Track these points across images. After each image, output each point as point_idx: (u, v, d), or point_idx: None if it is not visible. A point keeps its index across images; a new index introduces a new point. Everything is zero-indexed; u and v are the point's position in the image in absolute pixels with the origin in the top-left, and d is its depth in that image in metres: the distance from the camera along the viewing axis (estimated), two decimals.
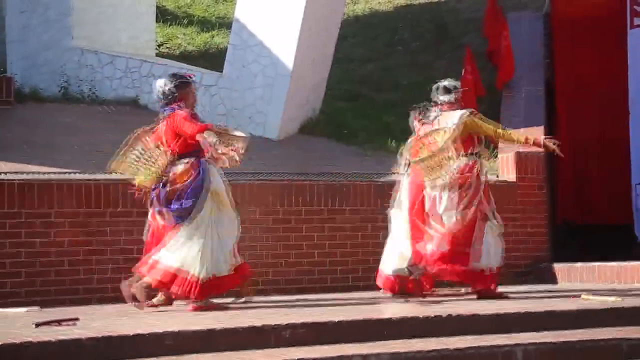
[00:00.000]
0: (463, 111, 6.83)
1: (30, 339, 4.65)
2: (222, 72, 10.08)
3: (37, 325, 5.26)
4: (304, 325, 5.24)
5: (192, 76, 6.56)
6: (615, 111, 9.27)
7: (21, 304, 6.66)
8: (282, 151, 9.33)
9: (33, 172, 7.21)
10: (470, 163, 6.78)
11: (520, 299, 6.73)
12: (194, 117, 6.28)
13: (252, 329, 5.13)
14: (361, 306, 6.39)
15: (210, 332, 5.02)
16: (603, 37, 9.86)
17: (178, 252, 6.18)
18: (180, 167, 6.25)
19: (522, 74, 10.10)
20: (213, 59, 11.23)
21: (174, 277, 6.15)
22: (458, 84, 7.04)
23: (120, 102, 9.99)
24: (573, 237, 9.50)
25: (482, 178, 6.83)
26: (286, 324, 5.20)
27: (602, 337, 5.44)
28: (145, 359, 4.74)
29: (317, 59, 10.16)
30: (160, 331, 4.92)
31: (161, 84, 6.36)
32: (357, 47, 12.33)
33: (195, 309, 6.15)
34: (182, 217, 6.21)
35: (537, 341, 5.30)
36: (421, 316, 5.55)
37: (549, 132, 9.44)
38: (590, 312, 5.94)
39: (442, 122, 6.84)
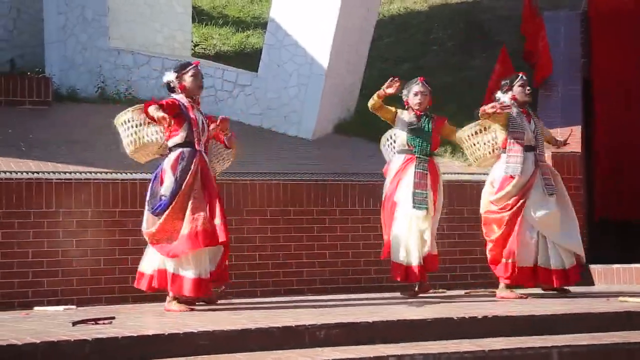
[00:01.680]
0: None
1: (67, 338, 4.70)
2: (257, 72, 10.11)
3: (74, 323, 5.32)
4: (338, 325, 5.24)
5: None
6: None
7: (63, 302, 6.74)
8: (317, 151, 9.33)
9: (71, 172, 7.28)
10: None
11: (557, 300, 6.68)
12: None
13: (287, 329, 5.14)
14: (395, 306, 6.38)
15: (245, 331, 5.04)
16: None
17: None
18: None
19: (559, 74, 10.01)
20: (248, 59, 11.27)
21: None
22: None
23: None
24: (611, 236, 9.41)
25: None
26: (320, 324, 5.20)
27: (638, 340, 5.38)
28: (179, 357, 4.77)
29: (352, 58, 10.16)
30: (195, 331, 4.95)
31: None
32: (392, 47, 12.30)
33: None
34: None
35: (573, 343, 5.25)
36: (455, 317, 5.52)
37: (586, 131, 9.37)
38: (627, 314, 5.88)
39: None
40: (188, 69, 6.47)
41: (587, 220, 8.73)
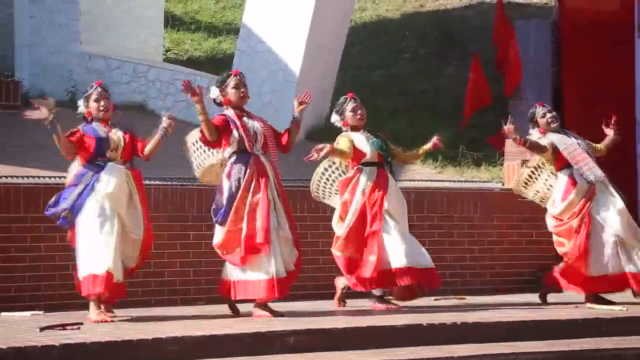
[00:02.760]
0: None
1: (34, 343, 4.66)
2: None
3: (42, 329, 5.27)
4: (308, 331, 5.25)
5: (98, 84, 6.32)
6: (622, 120, 9.27)
7: (25, 309, 6.67)
8: (289, 157, 9.32)
9: (40, 177, 7.22)
10: None
11: (526, 307, 6.72)
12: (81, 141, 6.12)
13: (257, 335, 5.13)
14: (366, 314, 6.38)
15: (214, 337, 5.03)
16: (611, 45, 9.84)
17: None
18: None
19: (530, 83, 10.08)
20: (220, 65, 11.25)
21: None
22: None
23: (128, 107, 9.99)
24: None
25: None
26: (291, 330, 5.21)
27: (607, 347, 5.42)
28: None
29: (324, 65, 10.17)
30: (164, 336, 4.93)
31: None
32: (365, 54, 12.34)
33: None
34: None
35: (542, 350, 5.29)
36: (425, 324, 5.54)
37: None
38: (597, 320, 5.93)
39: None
40: (228, 81, 6.42)
41: None
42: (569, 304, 6.94)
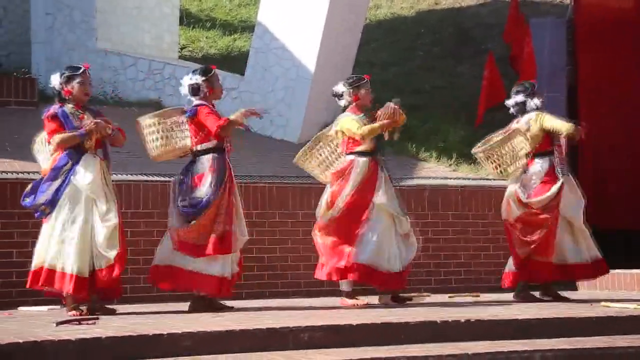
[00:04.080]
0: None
1: (50, 338, 4.70)
2: (244, 75, 10.13)
3: (58, 324, 5.31)
4: (321, 327, 5.25)
5: (86, 67, 6.33)
6: (638, 117, 9.26)
7: (42, 303, 6.73)
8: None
9: None
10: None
11: (540, 305, 6.71)
12: (53, 118, 6.14)
13: (270, 331, 5.14)
14: (380, 310, 6.40)
15: (228, 333, 5.04)
16: (627, 42, 9.82)
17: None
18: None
19: (544, 80, 10.07)
20: (235, 62, 11.28)
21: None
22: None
23: (143, 104, 10.05)
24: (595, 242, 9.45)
25: None
26: (304, 327, 5.21)
27: (621, 345, 5.41)
28: (163, 358, 4.77)
29: (339, 63, 10.18)
30: (179, 332, 4.95)
31: (53, 79, 6.26)
32: (379, 51, 12.34)
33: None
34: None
35: (555, 347, 5.28)
36: (439, 321, 5.54)
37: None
38: (609, 319, 5.92)
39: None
40: (214, 72, 6.46)
41: None
42: (583, 301, 6.93)
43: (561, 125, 7.02)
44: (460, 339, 5.37)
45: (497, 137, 7.13)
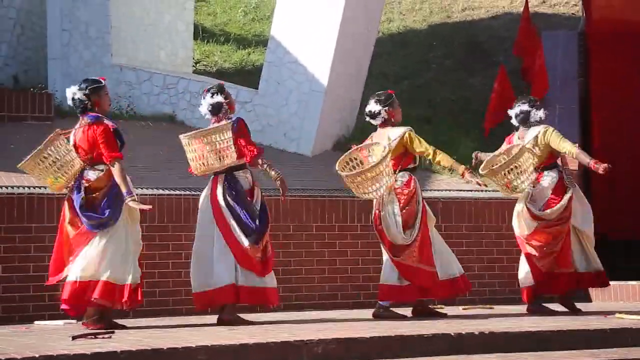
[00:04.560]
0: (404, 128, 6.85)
1: (65, 352, 4.73)
2: (257, 89, 10.18)
3: (74, 338, 5.35)
4: (335, 340, 5.28)
5: (103, 79, 6.44)
6: None
7: (58, 317, 6.77)
8: (316, 167, 9.38)
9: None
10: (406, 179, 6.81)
11: (554, 317, 6.71)
12: (117, 134, 6.23)
13: (285, 344, 5.17)
14: (393, 322, 6.41)
15: (243, 346, 5.07)
16: (638, 55, 9.83)
17: (91, 262, 6.07)
18: (94, 175, 6.21)
19: (556, 92, 10.10)
20: (249, 76, 11.34)
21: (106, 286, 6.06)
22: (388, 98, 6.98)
23: (157, 118, 10.12)
24: (609, 253, 9.44)
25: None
26: (318, 340, 5.24)
27: (636, 357, 5.41)
28: None
29: (351, 76, 10.23)
30: (193, 345, 4.98)
31: (73, 91, 6.32)
32: (392, 64, 12.38)
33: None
34: (99, 226, 6.10)
35: (570, 359, 5.28)
36: (453, 333, 5.56)
37: (583, 149, 9.41)
38: (624, 330, 5.91)
39: (377, 138, 6.92)
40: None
41: None
42: (597, 313, 6.92)
43: (565, 147, 7.05)
44: (474, 351, 5.39)
45: (500, 156, 7.13)
